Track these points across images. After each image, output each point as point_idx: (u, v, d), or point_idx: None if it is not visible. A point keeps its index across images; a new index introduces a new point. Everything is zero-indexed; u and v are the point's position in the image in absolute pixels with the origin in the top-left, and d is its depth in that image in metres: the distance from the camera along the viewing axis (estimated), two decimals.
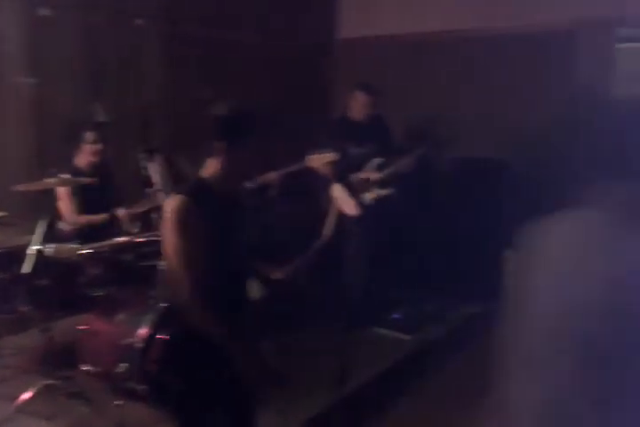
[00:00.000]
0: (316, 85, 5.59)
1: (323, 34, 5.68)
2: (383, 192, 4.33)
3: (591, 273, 1.25)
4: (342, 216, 4.10)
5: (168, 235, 1.94)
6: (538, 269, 1.37)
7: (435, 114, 5.00)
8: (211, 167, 2.03)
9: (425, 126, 4.99)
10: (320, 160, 3.83)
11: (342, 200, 4.10)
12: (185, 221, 1.91)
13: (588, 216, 1.33)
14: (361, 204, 4.14)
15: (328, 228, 3.71)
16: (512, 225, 4.21)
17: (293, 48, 5.18)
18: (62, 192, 3.53)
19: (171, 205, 1.94)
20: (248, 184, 3.53)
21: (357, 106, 4.19)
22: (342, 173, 4.14)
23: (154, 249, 2.98)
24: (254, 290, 2.90)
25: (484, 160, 4.74)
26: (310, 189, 4.27)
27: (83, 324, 3.00)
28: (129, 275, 3.23)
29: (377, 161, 4.27)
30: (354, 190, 4.15)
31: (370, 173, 4.25)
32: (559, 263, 1.33)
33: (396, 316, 3.87)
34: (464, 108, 5.01)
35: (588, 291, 1.23)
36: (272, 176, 3.92)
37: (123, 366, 2.80)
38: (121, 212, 3.65)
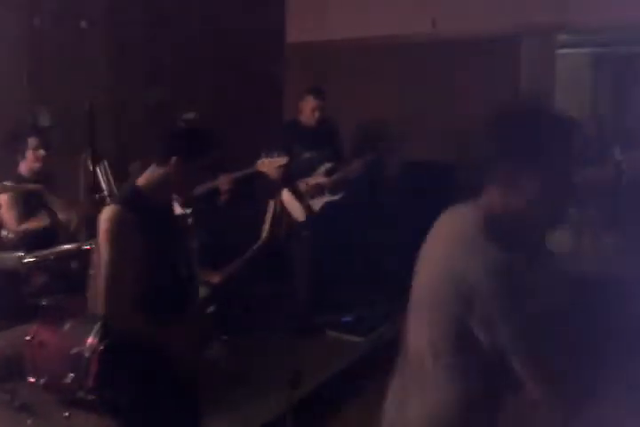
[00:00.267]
0: (270, 88, 5.59)
1: (275, 37, 5.68)
2: (333, 198, 4.36)
3: (440, 264, 1.42)
4: (292, 220, 4.12)
5: (102, 244, 1.93)
6: (423, 253, 1.56)
7: (386, 118, 5.07)
8: (152, 175, 2.01)
9: (376, 130, 5.05)
10: (270, 164, 3.84)
11: (291, 205, 4.12)
12: (118, 231, 1.90)
13: (463, 212, 1.46)
14: (310, 209, 4.17)
15: (266, 231, 3.73)
16: None
17: (245, 50, 5.17)
18: (4, 199, 3.43)
19: (104, 214, 1.93)
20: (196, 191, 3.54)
21: (308, 110, 4.21)
22: (292, 177, 4.16)
23: None
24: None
25: (434, 163, 4.82)
26: (261, 194, 4.27)
27: (29, 334, 2.94)
28: (76, 283, 3.17)
29: (327, 166, 4.30)
30: (303, 195, 4.18)
31: (319, 178, 4.28)
32: (429, 251, 1.52)
33: (346, 319, 3.91)
34: (414, 112, 5.09)
35: (434, 279, 1.42)
36: (223, 180, 3.90)
37: (71, 377, 2.76)
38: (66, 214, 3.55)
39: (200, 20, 4.86)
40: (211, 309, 3.46)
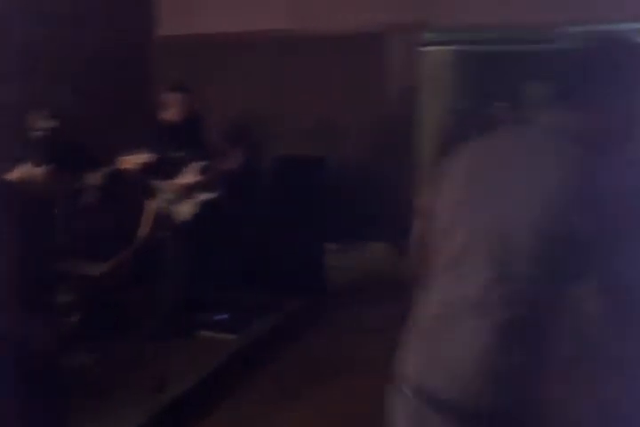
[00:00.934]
0: (139, 84, 5.41)
1: (142, 31, 5.49)
2: (206, 196, 4.29)
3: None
4: (163, 219, 4.02)
5: None
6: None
7: (258, 114, 5.06)
8: (25, 173, 1.98)
9: (248, 126, 5.03)
10: (133, 161, 3.71)
11: (161, 204, 4.02)
12: None
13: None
14: (182, 208, 4.09)
15: (144, 230, 3.63)
16: (332, 220, 4.40)
17: (111, 45, 4.96)
18: None
19: None
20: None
21: (172, 106, 4.11)
22: (161, 175, 4.05)
23: None
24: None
25: (303, 158, 4.86)
26: (130, 192, 4.14)
27: None
28: None
29: (198, 164, 4.21)
30: (172, 194, 4.08)
31: (192, 177, 4.18)
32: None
33: (219, 317, 3.86)
34: (283, 108, 5.12)
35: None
36: (91, 178, 3.73)
37: None
38: None
39: (64, 14, 4.61)
40: (77, 314, 3.32)
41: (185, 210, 4.14)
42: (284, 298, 4.29)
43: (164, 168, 4.07)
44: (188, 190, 4.17)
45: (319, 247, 4.80)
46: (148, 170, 3.81)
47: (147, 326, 3.71)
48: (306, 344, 3.93)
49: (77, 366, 3.12)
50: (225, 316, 3.85)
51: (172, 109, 4.12)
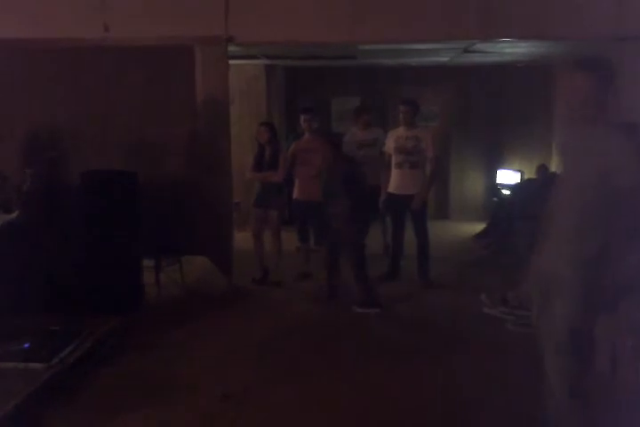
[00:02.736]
0: None
1: None
2: (7, 216, 3.96)
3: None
4: None
5: None
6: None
7: (56, 125, 4.76)
8: None
9: (43, 141, 4.72)
10: None
11: None
12: None
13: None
14: None
15: None
16: (149, 234, 4.16)
17: None
18: None
19: None
20: None
21: None
22: None
23: None
24: None
25: (115, 173, 4.63)
26: None
27: None
28: None
29: None
30: None
31: None
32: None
33: (25, 345, 3.52)
34: (89, 121, 4.89)
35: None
36: None
37: None
38: None
39: None
40: None
41: None
42: (101, 318, 4.03)
43: None
44: None
45: (136, 264, 4.60)
46: None
47: None
48: (122, 364, 3.73)
49: None
50: (30, 344, 3.51)
51: None
